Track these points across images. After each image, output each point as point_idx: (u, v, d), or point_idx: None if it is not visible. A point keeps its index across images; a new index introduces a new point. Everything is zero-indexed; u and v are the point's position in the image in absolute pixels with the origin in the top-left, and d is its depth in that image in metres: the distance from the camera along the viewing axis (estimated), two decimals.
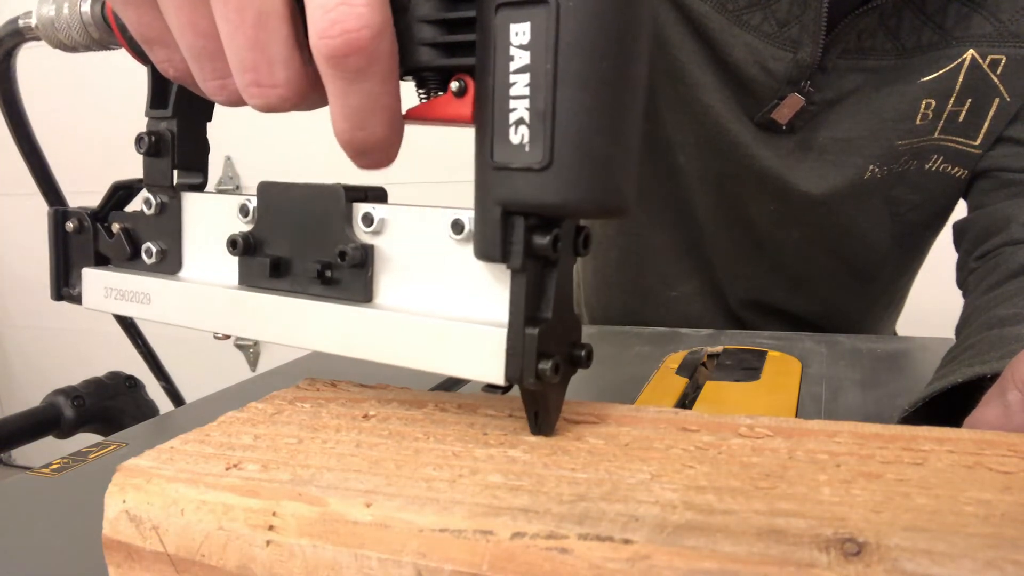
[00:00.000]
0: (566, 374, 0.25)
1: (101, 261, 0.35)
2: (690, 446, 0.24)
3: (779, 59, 0.56)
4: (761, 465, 0.22)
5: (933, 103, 0.57)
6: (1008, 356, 0.34)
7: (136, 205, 0.34)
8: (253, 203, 0.29)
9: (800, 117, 0.58)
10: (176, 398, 0.59)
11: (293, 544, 0.21)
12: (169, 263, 0.32)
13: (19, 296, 2.19)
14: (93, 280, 0.34)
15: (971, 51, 0.55)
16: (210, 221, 0.31)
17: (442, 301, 0.26)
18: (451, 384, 0.50)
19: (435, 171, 1.44)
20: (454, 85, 0.24)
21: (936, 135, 0.58)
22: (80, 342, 2.14)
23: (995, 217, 0.56)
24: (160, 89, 0.31)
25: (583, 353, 0.25)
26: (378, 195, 0.28)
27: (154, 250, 0.32)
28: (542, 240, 0.23)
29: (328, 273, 0.28)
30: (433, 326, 0.25)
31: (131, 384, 0.57)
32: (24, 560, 0.30)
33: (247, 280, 0.30)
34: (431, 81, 0.25)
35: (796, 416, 0.42)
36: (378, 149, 0.25)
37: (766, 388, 0.46)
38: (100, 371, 0.58)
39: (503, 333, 0.23)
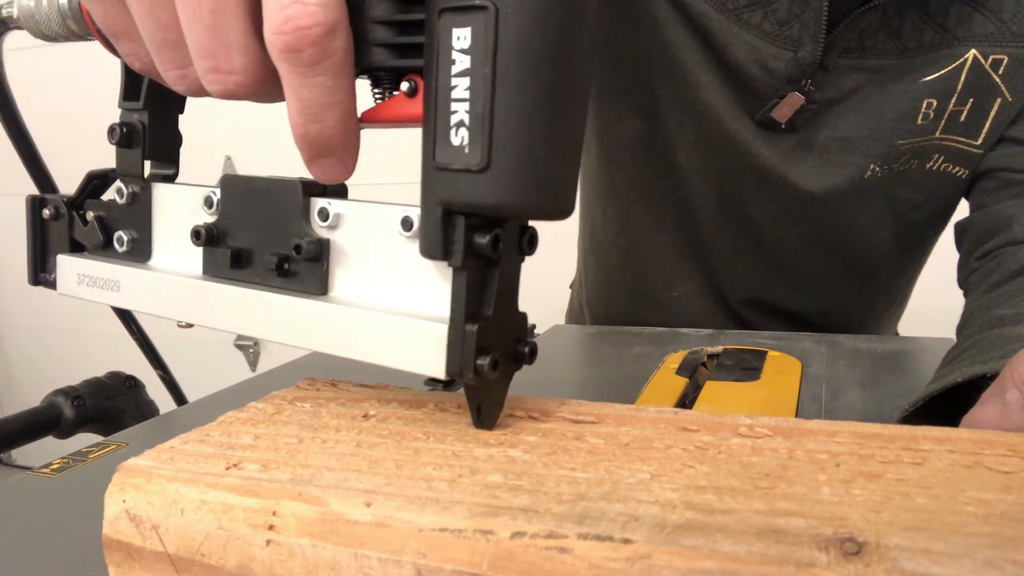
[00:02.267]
0: (507, 370, 0.26)
1: (76, 248, 0.35)
2: (690, 446, 0.24)
3: (779, 58, 0.56)
4: (761, 465, 0.22)
5: (935, 103, 0.57)
6: (1008, 356, 0.34)
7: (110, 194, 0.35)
8: (217, 195, 0.30)
9: (800, 116, 0.58)
10: (175, 389, 0.59)
11: (293, 544, 0.21)
12: (139, 252, 0.33)
13: (19, 296, 2.19)
14: (67, 266, 0.35)
15: (973, 51, 0.55)
16: (178, 212, 0.32)
17: (392, 296, 0.27)
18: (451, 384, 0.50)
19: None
20: (405, 85, 0.25)
21: (937, 135, 0.58)
22: (80, 342, 2.14)
23: (996, 217, 0.56)
24: (132, 81, 0.32)
25: (526, 350, 0.26)
26: (337, 191, 0.29)
27: (125, 239, 0.33)
28: (482, 240, 0.23)
29: (286, 266, 0.28)
30: (381, 320, 0.26)
31: (131, 384, 0.57)
32: (24, 560, 0.30)
33: (210, 270, 0.30)
34: (385, 81, 0.26)
35: (796, 416, 0.42)
36: (334, 148, 0.25)
37: (766, 388, 0.46)
38: (100, 371, 0.58)
39: (442, 328, 0.24)
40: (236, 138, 1.80)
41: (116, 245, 0.33)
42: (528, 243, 0.25)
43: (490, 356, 0.24)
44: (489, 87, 0.21)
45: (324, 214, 0.28)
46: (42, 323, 2.19)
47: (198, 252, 0.31)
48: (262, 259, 0.29)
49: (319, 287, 0.28)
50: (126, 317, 0.57)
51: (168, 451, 0.26)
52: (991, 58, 0.54)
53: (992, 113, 0.56)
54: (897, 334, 0.80)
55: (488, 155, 0.22)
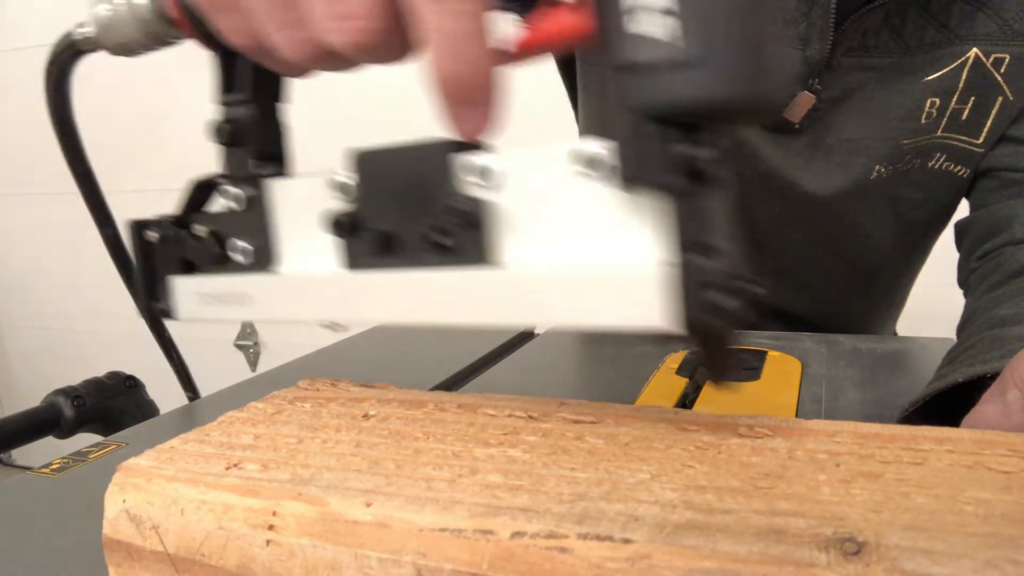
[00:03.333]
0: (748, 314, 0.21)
1: (186, 268, 0.32)
2: (690, 446, 0.24)
3: (788, 57, 0.56)
4: (761, 465, 0.22)
5: (937, 101, 0.57)
6: (1008, 356, 0.34)
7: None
8: (349, 176, 0.27)
9: (807, 117, 0.58)
10: (193, 391, 0.58)
11: (293, 544, 0.21)
12: (263, 258, 0.30)
13: (19, 296, 2.19)
14: (185, 289, 0.32)
15: (975, 49, 0.55)
16: (302, 206, 0.29)
17: (579, 248, 0.23)
18: (451, 384, 0.50)
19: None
20: None
21: (939, 133, 0.58)
22: (80, 342, 2.14)
23: (997, 217, 0.56)
24: (231, 73, 0.29)
25: (756, 289, 0.21)
26: (484, 147, 0.25)
27: (245, 247, 0.30)
28: (699, 152, 0.19)
29: (441, 237, 0.25)
30: (576, 277, 0.22)
31: (131, 384, 0.57)
32: (24, 560, 0.30)
33: (354, 261, 0.27)
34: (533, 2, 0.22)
35: (796, 416, 0.42)
36: (481, 91, 0.22)
37: (766, 388, 0.46)
38: (100, 371, 0.58)
39: (668, 272, 0.21)
40: None
41: (235, 256, 0.30)
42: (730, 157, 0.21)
43: (734, 292, 0.20)
44: None
45: (479, 171, 0.24)
46: (42, 323, 2.20)
47: (333, 245, 0.28)
48: (413, 236, 0.25)
49: (485, 254, 0.24)
50: (156, 324, 0.55)
51: (168, 451, 0.26)
52: (993, 57, 0.55)
53: (993, 112, 0.56)
54: (895, 334, 0.80)
55: (707, 40, 0.18)
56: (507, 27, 0.23)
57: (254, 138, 0.29)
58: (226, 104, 0.30)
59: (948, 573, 0.16)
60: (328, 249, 0.28)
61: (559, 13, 0.21)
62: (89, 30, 0.33)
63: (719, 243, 0.20)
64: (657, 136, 0.19)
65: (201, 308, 0.32)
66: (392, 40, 0.23)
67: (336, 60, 0.25)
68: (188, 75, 1.83)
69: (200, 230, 0.31)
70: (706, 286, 0.20)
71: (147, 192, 1.67)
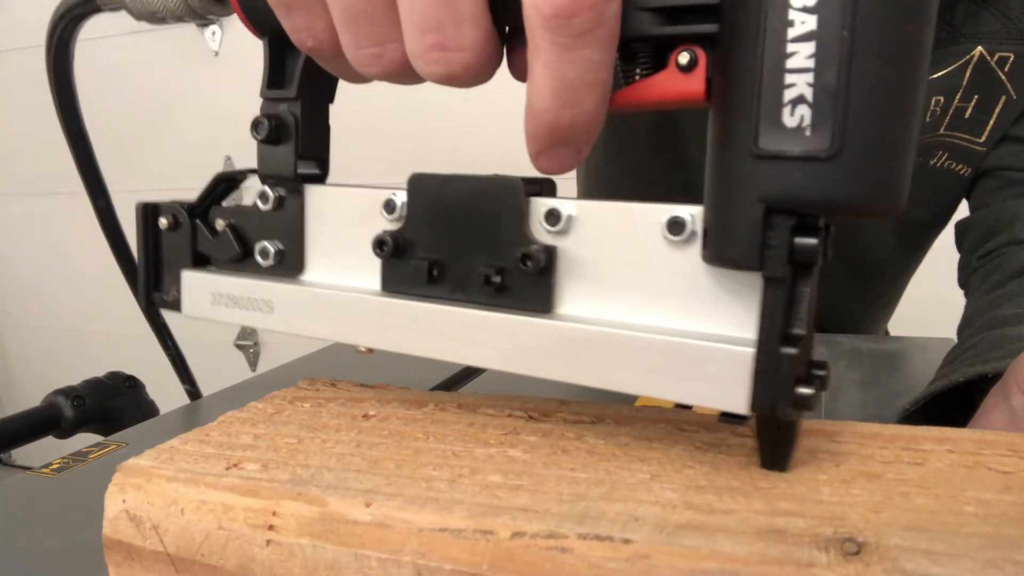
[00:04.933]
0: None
1: (200, 262, 0.31)
2: (690, 446, 0.24)
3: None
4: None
5: (941, 99, 0.57)
6: (1010, 356, 0.34)
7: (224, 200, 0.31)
8: (401, 198, 0.26)
9: None
10: (191, 383, 0.58)
11: (293, 544, 0.21)
12: (288, 265, 0.29)
13: (19, 296, 2.19)
14: (196, 284, 0.30)
15: (979, 48, 0.55)
16: (342, 217, 0.27)
17: (648, 314, 0.23)
18: (451, 384, 0.50)
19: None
20: (683, 57, 0.20)
21: (942, 131, 0.58)
22: (80, 342, 2.14)
23: (999, 216, 0.56)
24: (280, 66, 0.28)
25: (824, 373, 0.21)
26: (551, 189, 0.25)
27: (271, 250, 0.29)
28: (808, 242, 0.19)
29: (499, 279, 0.24)
30: (650, 342, 0.22)
31: (131, 384, 0.57)
32: (24, 560, 0.30)
33: (393, 285, 0.26)
34: (642, 55, 0.22)
35: None
36: (581, 135, 0.21)
37: None
38: (100, 371, 0.58)
39: (746, 353, 0.20)
40: (236, 139, 1.80)
41: (259, 258, 0.29)
42: (832, 243, 0.21)
43: (812, 386, 0.20)
44: (846, 53, 0.17)
45: (555, 216, 0.23)
46: (42, 323, 2.20)
47: (370, 265, 0.27)
48: (465, 271, 0.25)
49: (544, 303, 0.24)
50: (160, 326, 0.52)
51: (168, 451, 0.26)
52: (997, 55, 0.55)
53: (996, 111, 0.56)
54: (887, 333, 0.80)
55: (841, 138, 0.18)
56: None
57: (298, 137, 0.28)
58: (271, 99, 0.28)
59: (948, 573, 0.16)
60: (364, 268, 0.27)
61: (672, 76, 0.21)
62: None
63: (803, 331, 0.20)
64: (774, 225, 0.19)
65: (213, 308, 0.30)
66: (486, 74, 0.23)
67: (415, 79, 0.24)
68: (187, 76, 1.83)
69: (219, 224, 0.30)
70: (789, 375, 0.20)
71: (145, 192, 1.67)
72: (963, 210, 0.63)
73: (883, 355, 0.55)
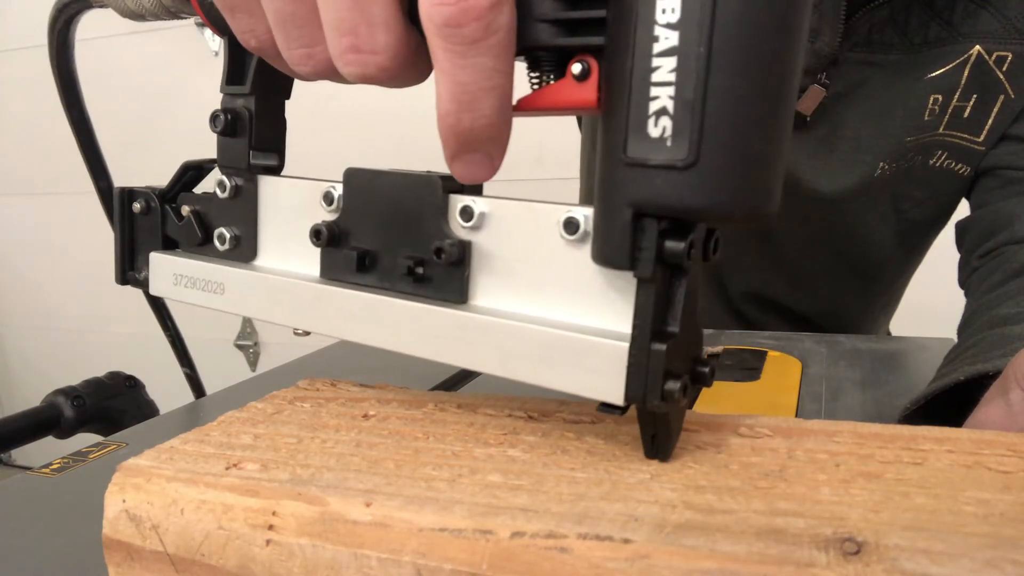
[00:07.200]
0: (692, 394, 0.23)
1: (169, 245, 0.33)
2: (690, 446, 0.24)
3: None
4: (760, 465, 0.22)
5: (940, 98, 0.57)
6: (1010, 354, 0.34)
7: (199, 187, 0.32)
8: (338, 190, 0.27)
9: (816, 111, 0.58)
10: (197, 387, 0.58)
11: (293, 544, 0.21)
12: (243, 250, 0.30)
13: (19, 296, 2.19)
14: (161, 265, 0.32)
15: (977, 47, 0.55)
16: (289, 207, 0.29)
17: (548, 307, 0.24)
18: (451, 384, 0.50)
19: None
20: (576, 67, 0.21)
21: (941, 130, 0.58)
22: (80, 342, 2.14)
23: (998, 215, 0.56)
24: (238, 63, 0.29)
25: (707, 370, 0.23)
26: (473, 188, 0.26)
27: (227, 236, 0.30)
28: (676, 246, 0.20)
29: (420, 270, 0.26)
30: (540, 335, 0.23)
31: (131, 384, 0.57)
32: (24, 560, 0.30)
33: (330, 273, 0.28)
34: (546, 63, 0.23)
35: (796, 416, 0.42)
36: (485, 140, 0.22)
37: (766, 388, 0.46)
38: (100, 371, 0.58)
39: (622, 347, 0.21)
40: None
41: (217, 243, 0.31)
42: (714, 247, 0.22)
43: (680, 380, 0.21)
44: (703, 68, 0.18)
45: (467, 213, 0.25)
46: (42, 323, 2.20)
47: (314, 253, 0.28)
48: (391, 262, 0.26)
49: (459, 294, 0.25)
50: (160, 311, 0.55)
51: (168, 451, 0.26)
52: (995, 55, 0.55)
53: (995, 110, 0.56)
54: (889, 333, 0.80)
55: (697, 149, 0.19)
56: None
57: (252, 130, 0.29)
58: (229, 94, 0.30)
59: (948, 573, 0.16)
60: (307, 256, 0.28)
61: (568, 84, 0.22)
62: None
63: (676, 328, 0.21)
64: (643, 228, 0.20)
65: (175, 288, 0.32)
66: (405, 75, 0.23)
67: (345, 80, 0.25)
68: (187, 76, 1.83)
69: (185, 210, 0.32)
70: (658, 370, 0.21)
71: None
72: (963, 210, 0.63)
73: (883, 355, 0.55)
